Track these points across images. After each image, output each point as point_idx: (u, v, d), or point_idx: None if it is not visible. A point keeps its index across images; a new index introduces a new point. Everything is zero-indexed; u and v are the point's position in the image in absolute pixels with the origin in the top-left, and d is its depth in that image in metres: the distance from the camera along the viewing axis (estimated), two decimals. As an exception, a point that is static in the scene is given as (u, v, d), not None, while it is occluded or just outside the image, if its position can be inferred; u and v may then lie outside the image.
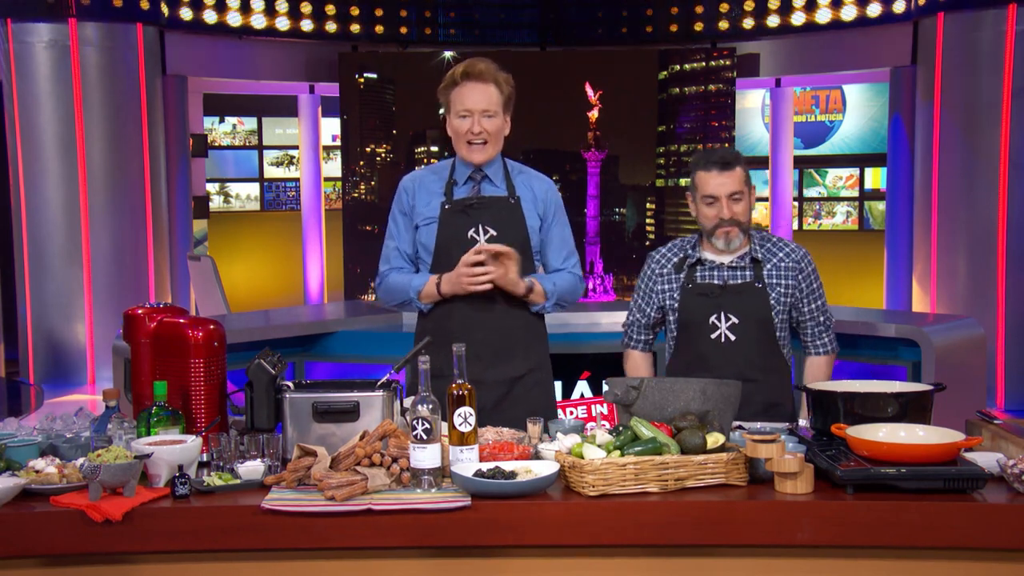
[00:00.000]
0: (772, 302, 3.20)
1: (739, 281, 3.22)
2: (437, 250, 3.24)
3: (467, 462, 2.49)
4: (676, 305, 3.27)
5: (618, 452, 2.46)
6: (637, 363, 3.45)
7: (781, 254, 3.24)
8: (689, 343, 3.27)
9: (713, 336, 3.21)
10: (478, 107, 3.20)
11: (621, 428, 2.57)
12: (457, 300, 3.20)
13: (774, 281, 3.21)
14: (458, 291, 3.16)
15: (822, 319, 3.30)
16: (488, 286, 3.13)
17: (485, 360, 3.19)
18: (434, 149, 9.61)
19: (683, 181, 9.74)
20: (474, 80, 3.20)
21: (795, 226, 10.16)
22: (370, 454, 2.50)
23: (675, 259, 3.31)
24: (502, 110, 3.26)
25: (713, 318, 3.21)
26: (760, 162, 10.25)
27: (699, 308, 3.23)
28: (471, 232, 3.22)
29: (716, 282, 3.23)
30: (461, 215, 3.24)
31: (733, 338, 3.20)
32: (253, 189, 10.86)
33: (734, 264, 3.23)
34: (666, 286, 3.30)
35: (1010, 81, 7.37)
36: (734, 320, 3.19)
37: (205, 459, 2.64)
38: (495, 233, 3.23)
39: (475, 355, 2.99)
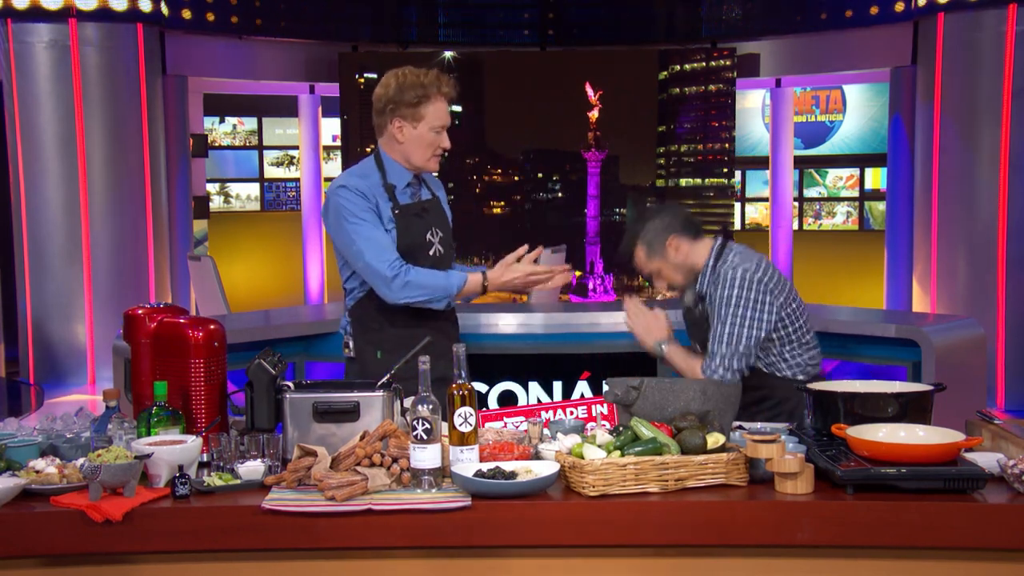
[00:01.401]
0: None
1: (702, 313, 3.31)
2: (401, 253, 3.26)
3: (467, 462, 2.49)
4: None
5: (618, 452, 2.46)
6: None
7: (713, 286, 3.23)
8: None
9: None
10: (448, 123, 3.30)
11: (621, 428, 2.57)
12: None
13: (709, 305, 3.26)
14: (509, 289, 3.30)
15: (711, 347, 3.18)
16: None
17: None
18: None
19: (683, 181, 9.75)
20: (448, 97, 3.29)
21: (795, 226, 10.16)
22: (370, 454, 2.50)
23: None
24: None
25: (695, 345, 3.41)
26: (760, 162, 10.25)
27: (687, 330, 3.43)
28: (428, 235, 3.33)
29: (696, 313, 3.36)
30: (416, 219, 3.32)
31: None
32: (253, 189, 10.86)
33: (698, 298, 3.32)
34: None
35: (1010, 81, 7.37)
36: (698, 349, 3.36)
37: (205, 459, 2.64)
38: (441, 234, 3.38)
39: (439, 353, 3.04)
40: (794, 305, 3.23)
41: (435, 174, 3.47)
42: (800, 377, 3.22)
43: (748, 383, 3.17)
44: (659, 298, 9.66)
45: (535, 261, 3.36)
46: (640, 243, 3.28)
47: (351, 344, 3.38)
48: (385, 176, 3.30)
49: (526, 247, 3.35)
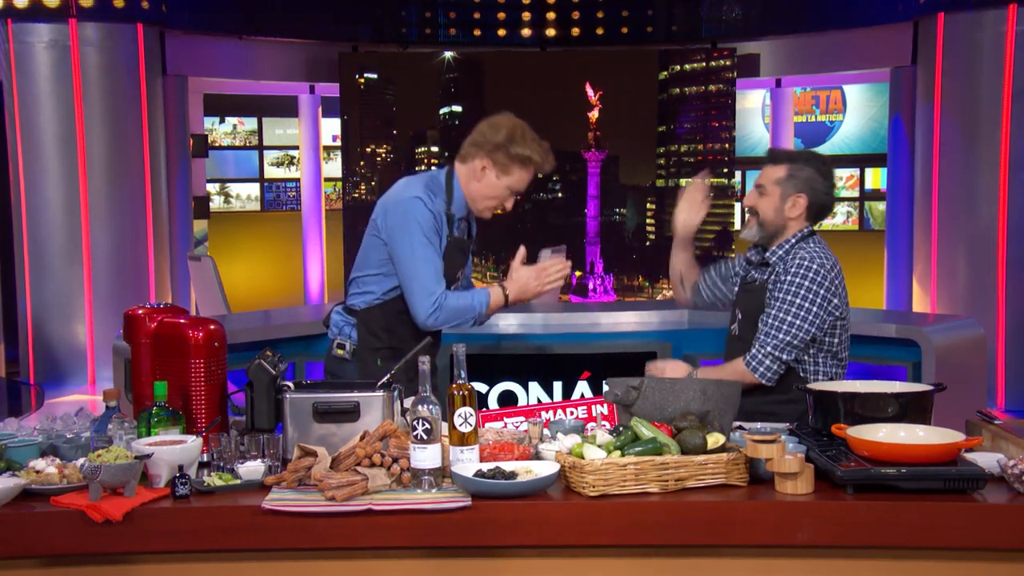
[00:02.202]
0: (766, 304, 3.19)
1: (756, 281, 3.26)
2: None
3: (467, 462, 2.49)
4: (734, 285, 3.46)
5: (618, 452, 2.46)
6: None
7: (783, 263, 3.20)
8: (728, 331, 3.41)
9: (731, 327, 3.35)
10: (522, 192, 3.37)
11: (621, 428, 2.57)
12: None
13: (770, 284, 3.21)
14: (529, 295, 3.32)
15: (763, 333, 3.13)
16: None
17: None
18: (434, 149, 9.62)
19: (683, 181, 9.74)
20: (536, 171, 3.33)
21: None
22: (370, 454, 2.50)
23: (754, 252, 3.38)
24: None
25: (736, 310, 3.35)
26: (760, 162, 10.24)
27: (736, 299, 3.39)
28: (459, 272, 3.39)
29: (748, 277, 3.33)
30: (459, 254, 3.36)
31: (737, 332, 3.30)
32: (253, 189, 10.86)
33: (761, 262, 3.29)
34: (740, 269, 3.46)
35: (1010, 81, 7.37)
36: (739, 315, 3.30)
37: (205, 459, 2.64)
38: (466, 275, 3.47)
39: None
40: (845, 319, 3.22)
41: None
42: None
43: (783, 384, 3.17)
44: (659, 298, 9.66)
45: (537, 261, 3.41)
46: (791, 170, 3.21)
47: (347, 346, 3.37)
48: (451, 202, 3.32)
49: (522, 247, 3.37)
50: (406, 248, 3.23)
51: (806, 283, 3.11)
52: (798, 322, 3.10)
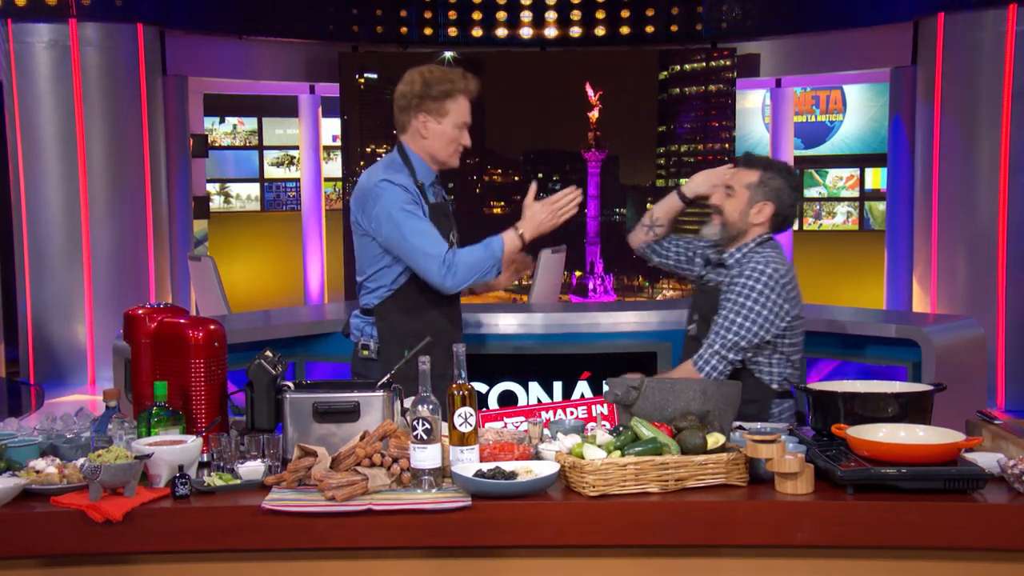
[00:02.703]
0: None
1: (713, 283, 3.29)
2: None
3: (467, 462, 2.49)
4: (693, 276, 3.47)
5: (618, 452, 2.46)
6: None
7: (739, 266, 3.22)
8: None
9: (688, 328, 3.38)
10: (469, 121, 3.34)
11: (621, 428, 2.57)
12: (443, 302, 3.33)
13: (724, 288, 3.23)
14: (545, 229, 3.31)
15: (713, 333, 3.14)
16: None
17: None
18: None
19: (683, 181, 9.73)
20: (471, 97, 3.32)
21: (795, 226, 10.16)
22: (370, 454, 2.50)
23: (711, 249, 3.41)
24: None
25: (690, 310, 3.39)
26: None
27: (692, 299, 3.40)
28: (450, 236, 3.36)
29: (706, 277, 3.35)
30: (443, 218, 3.35)
31: (694, 333, 3.32)
32: (253, 189, 10.86)
33: (716, 263, 3.32)
34: (696, 259, 3.47)
35: (1010, 81, 7.37)
36: (696, 316, 3.33)
37: (205, 459, 2.64)
38: (457, 235, 3.42)
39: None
40: (798, 323, 3.24)
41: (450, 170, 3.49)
42: (774, 386, 3.23)
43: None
44: (659, 298, 9.66)
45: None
46: (763, 177, 3.23)
47: (372, 345, 3.36)
48: (414, 173, 3.32)
49: (534, 184, 3.39)
50: (394, 229, 3.22)
51: (759, 287, 3.13)
52: (748, 324, 3.12)
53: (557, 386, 4.90)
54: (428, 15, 9.68)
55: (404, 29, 9.63)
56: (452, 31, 9.68)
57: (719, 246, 3.33)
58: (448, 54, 9.35)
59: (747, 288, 3.12)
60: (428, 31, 9.66)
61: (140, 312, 2.86)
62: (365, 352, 3.38)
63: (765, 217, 3.23)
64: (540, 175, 10.02)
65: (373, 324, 3.37)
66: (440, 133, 3.30)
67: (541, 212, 3.28)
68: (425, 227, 3.23)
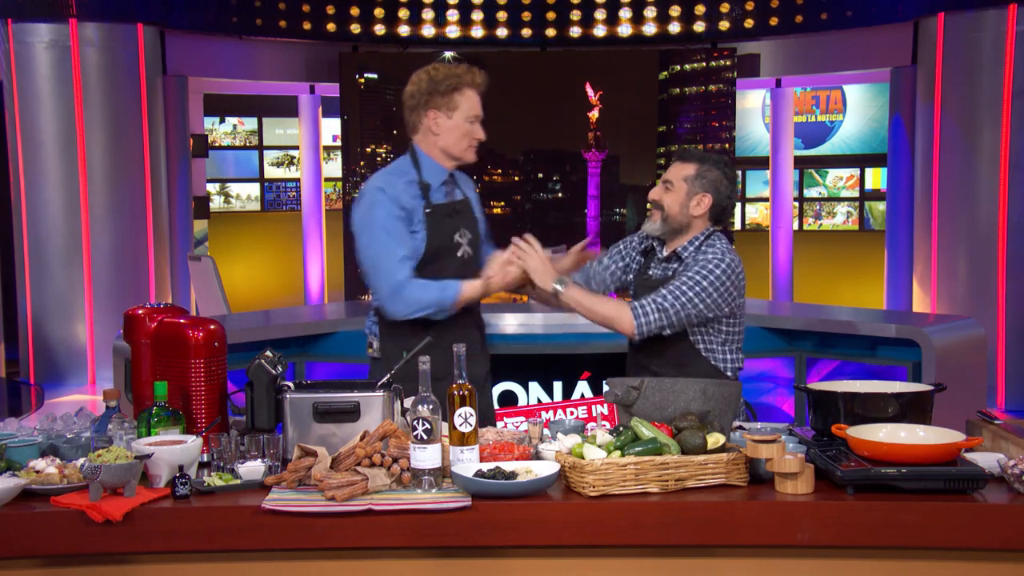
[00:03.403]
0: None
1: (660, 276, 3.30)
2: (426, 256, 3.26)
3: (467, 462, 2.49)
4: (630, 282, 3.45)
5: (618, 452, 2.46)
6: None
7: (699, 255, 3.23)
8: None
9: None
10: (481, 114, 3.32)
11: (621, 428, 2.57)
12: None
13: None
14: (510, 283, 3.28)
15: (660, 295, 3.15)
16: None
17: (475, 355, 3.29)
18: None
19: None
20: (480, 90, 3.31)
21: (795, 226, 10.16)
22: (371, 454, 2.50)
23: (644, 244, 3.43)
24: None
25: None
26: (760, 162, 10.24)
27: (637, 296, 3.35)
28: (456, 236, 3.32)
29: (652, 275, 3.33)
30: (446, 219, 3.31)
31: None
32: (253, 189, 10.86)
33: (668, 258, 3.31)
34: (631, 261, 3.46)
35: (1010, 81, 7.38)
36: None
37: (205, 459, 2.64)
38: (470, 235, 3.37)
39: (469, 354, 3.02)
40: (741, 311, 3.31)
41: (471, 165, 3.48)
42: (728, 374, 3.28)
43: (683, 359, 3.22)
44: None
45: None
46: (700, 169, 3.25)
47: (375, 344, 3.37)
48: (421, 174, 3.30)
49: (529, 236, 3.35)
50: (366, 239, 3.24)
51: (717, 271, 3.18)
52: (696, 300, 3.15)
53: (557, 386, 4.91)
54: (428, 15, 9.68)
55: (404, 29, 9.63)
56: (452, 31, 9.68)
57: (660, 240, 3.35)
58: (448, 54, 9.35)
59: (705, 270, 3.17)
60: (428, 31, 9.66)
61: (140, 312, 2.86)
62: (370, 350, 3.40)
63: (704, 208, 3.27)
64: (540, 175, 10.02)
65: (377, 323, 3.37)
66: (452, 128, 3.29)
67: (516, 279, 3.27)
68: (394, 248, 3.21)
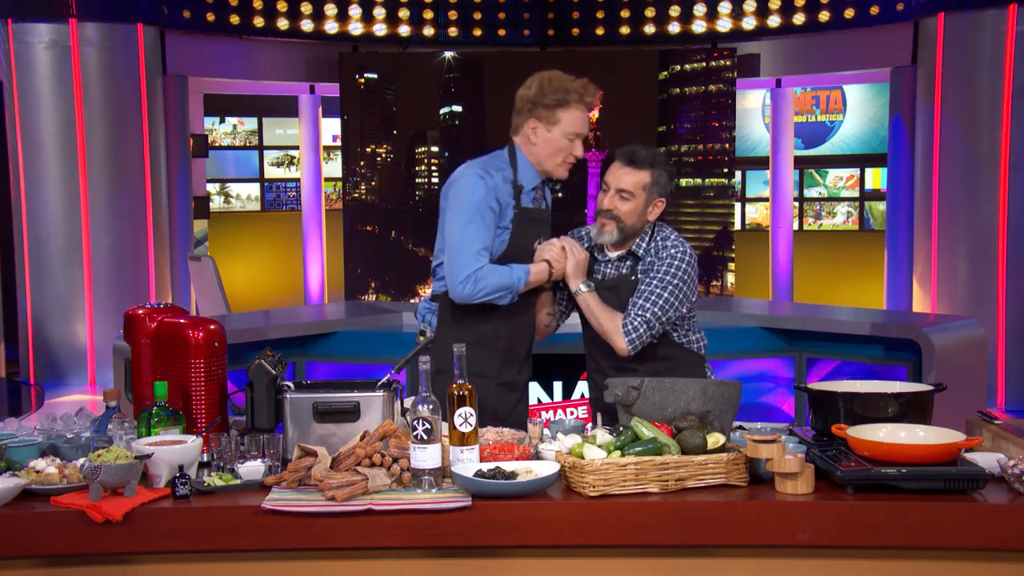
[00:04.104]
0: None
1: (615, 274, 3.28)
2: (507, 256, 3.23)
3: (467, 462, 2.49)
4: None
5: (618, 452, 2.46)
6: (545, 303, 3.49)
7: (654, 247, 3.25)
8: (584, 331, 3.35)
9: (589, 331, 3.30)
10: (585, 132, 3.27)
11: (621, 428, 2.57)
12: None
13: (643, 273, 3.24)
14: (572, 268, 3.23)
15: (639, 307, 3.15)
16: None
17: (520, 362, 3.30)
18: (434, 149, 9.61)
19: (683, 181, 9.75)
20: (589, 107, 3.27)
21: (795, 226, 10.16)
22: (371, 454, 2.50)
23: (584, 245, 3.37)
24: None
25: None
26: (760, 162, 10.25)
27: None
28: (536, 242, 3.28)
29: (598, 275, 3.31)
30: (531, 224, 3.28)
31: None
32: (253, 189, 10.86)
33: (619, 258, 3.30)
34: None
35: (1010, 81, 7.37)
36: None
37: (205, 459, 2.64)
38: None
39: (515, 358, 3.01)
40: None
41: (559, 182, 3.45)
42: (702, 353, 3.33)
43: (666, 353, 3.24)
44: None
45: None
46: (654, 176, 3.24)
47: (428, 332, 3.30)
48: (517, 174, 3.27)
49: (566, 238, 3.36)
50: (454, 222, 3.20)
51: (684, 266, 3.20)
52: (671, 299, 3.17)
53: (557, 386, 4.90)
54: (428, 15, 9.68)
55: (404, 29, 9.63)
56: (452, 31, 9.68)
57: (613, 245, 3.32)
58: (448, 54, 9.36)
59: (672, 267, 3.19)
60: (428, 31, 9.66)
61: (140, 312, 2.86)
62: (421, 338, 3.32)
63: (659, 212, 3.29)
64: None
65: (435, 312, 3.31)
66: (548, 141, 3.25)
67: (580, 263, 3.26)
68: (481, 236, 3.17)
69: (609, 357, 3.21)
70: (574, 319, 3.41)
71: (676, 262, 3.19)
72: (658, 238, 3.27)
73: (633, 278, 3.23)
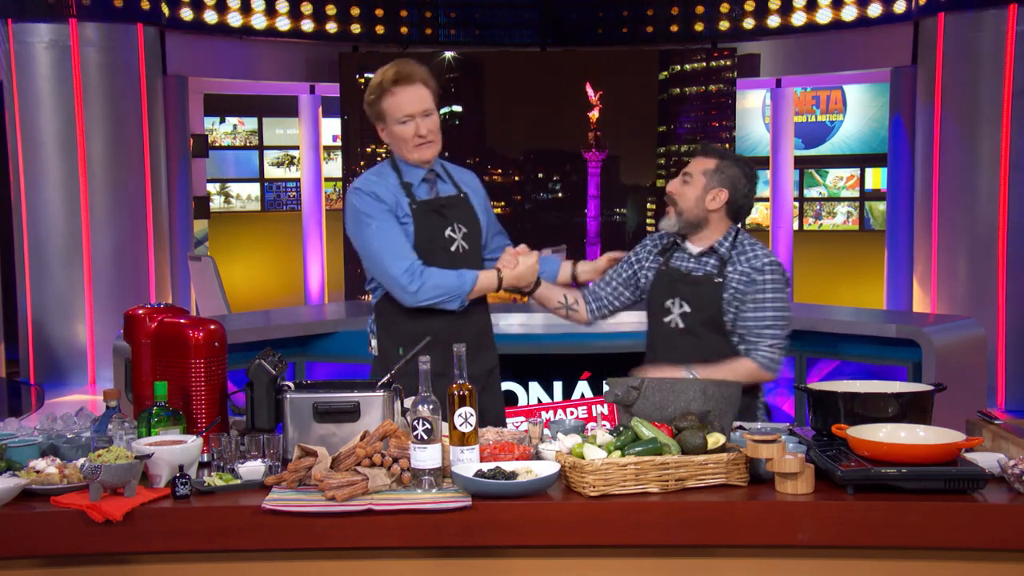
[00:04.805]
0: (724, 300, 3.20)
1: (700, 272, 3.25)
2: (418, 247, 3.22)
3: (468, 462, 2.49)
4: (647, 284, 3.36)
5: (619, 452, 2.46)
6: (571, 290, 3.52)
7: (744, 257, 3.22)
8: (651, 323, 3.34)
9: (666, 320, 3.27)
10: (417, 110, 3.21)
11: (622, 428, 2.57)
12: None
13: (730, 281, 3.21)
14: (521, 285, 3.26)
15: (766, 331, 3.17)
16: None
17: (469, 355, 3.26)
18: (434, 149, 9.62)
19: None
20: (404, 84, 3.20)
21: (796, 226, 10.16)
22: (371, 454, 2.50)
23: (663, 242, 3.38)
24: (435, 107, 3.28)
25: (668, 302, 3.27)
26: (761, 162, 10.24)
27: (659, 291, 3.31)
28: (448, 231, 3.26)
29: (681, 268, 3.28)
30: (433, 215, 3.26)
31: (682, 326, 3.25)
32: (254, 189, 10.87)
33: (702, 254, 3.27)
34: (646, 263, 3.39)
35: (1010, 81, 7.37)
36: (686, 308, 3.24)
37: (206, 459, 2.64)
38: (466, 230, 3.29)
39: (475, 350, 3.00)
40: None
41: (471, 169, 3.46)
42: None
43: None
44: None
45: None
46: (719, 165, 3.24)
47: (374, 343, 3.35)
48: (401, 175, 3.28)
49: (524, 246, 3.35)
50: (360, 238, 3.21)
51: (782, 279, 3.21)
52: (787, 314, 3.20)
53: (557, 386, 4.91)
54: (428, 15, 9.69)
55: (404, 29, 9.63)
56: (452, 31, 9.68)
57: (680, 236, 3.32)
58: (448, 54, 9.36)
59: (775, 283, 3.18)
60: (428, 31, 9.66)
61: (140, 312, 2.86)
62: (370, 348, 3.37)
63: (720, 203, 3.24)
64: (540, 175, 10.02)
65: (376, 320, 3.35)
66: (391, 136, 3.26)
67: (529, 270, 3.27)
68: (393, 234, 3.18)
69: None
70: (563, 320, 3.41)
71: (775, 275, 3.19)
72: (745, 244, 3.24)
73: (718, 279, 3.21)
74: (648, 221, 9.99)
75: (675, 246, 3.33)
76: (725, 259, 3.22)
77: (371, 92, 3.24)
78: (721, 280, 3.20)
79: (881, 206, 9.87)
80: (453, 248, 3.27)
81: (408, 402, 2.67)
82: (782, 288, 3.19)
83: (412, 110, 3.20)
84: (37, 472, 2.49)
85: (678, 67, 9.72)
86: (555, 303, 3.41)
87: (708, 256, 3.25)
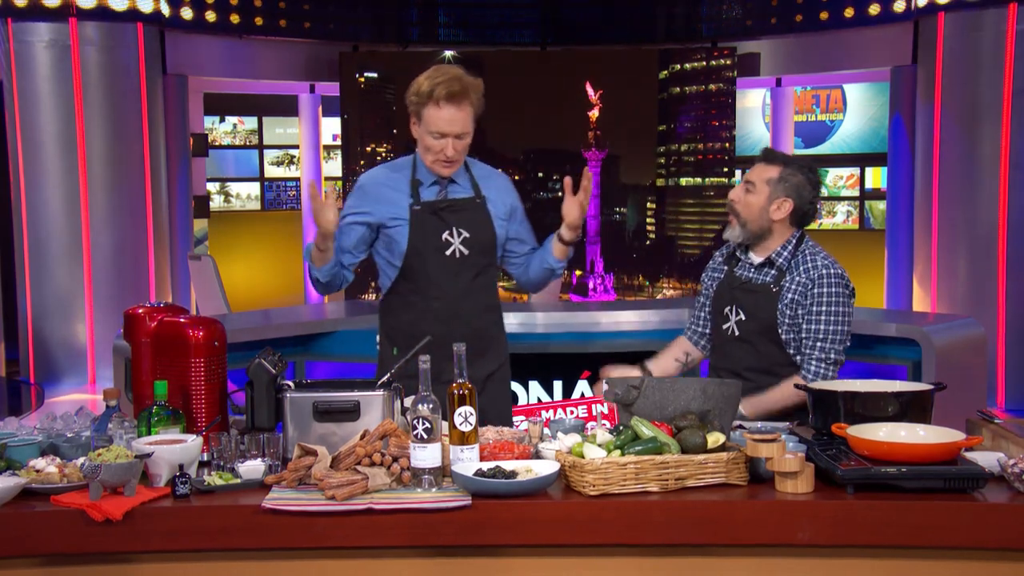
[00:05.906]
0: (779, 310, 3.20)
1: (758, 281, 3.25)
2: (409, 252, 3.24)
3: (467, 461, 2.49)
4: (711, 292, 3.40)
5: (618, 452, 2.46)
6: (674, 343, 3.54)
7: (803, 268, 3.20)
8: (712, 330, 3.39)
9: (724, 327, 3.31)
10: (452, 131, 3.18)
11: (621, 427, 2.57)
12: (433, 297, 3.25)
13: (787, 290, 3.20)
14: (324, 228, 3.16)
15: (817, 344, 3.15)
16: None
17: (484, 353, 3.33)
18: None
19: (683, 180, 9.75)
20: (451, 104, 3.16)
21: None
22: (371, 453, 2.50)
23: (728, 251, 3.39)
24: (472, 128, 3.25)
25: (727, 309, 3.30)
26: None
27: (721, 297, 3.34)
28: (445, 235, 3.25)
29: (741, 277, 3.29)
30: (432, 217, 3.25)
31: (738, 333, 3.27)
32: (253, 189, 10.86)
33: (762, 264, 3.26)
34: (714, 275, 3.43)
35: (1010, 81, 7.38)
36: (742, 316, 3.26)
37: (206, 458, 2.64)
38: (468, 235, 3.27)
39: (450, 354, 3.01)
40: None
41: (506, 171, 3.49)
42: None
43: (785, 373, 3.19)
44: (659, 297, 9.66)
45: None
46: (783, 173, 3.20)
47: (377, 338, 3.38)
48: (415, 171, 3.29)
49: None
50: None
51: (845, 292, 3.17)
52: (845, 329, 3.17)
53: (557, 386, 4.90)
54: (428, 15, 9.69)
55: (404, 29, 9.63)
56: (452, 31, 9.68)
57: (743, 246, 3.31)
58: (448, 54, 9.35)
59: (836, 296, 3.15)
60: (428, 31, 9.66)
61: (140, 311, 2.86)
62: (379, 347, 3.39)
63: (784, 213, 3.20)
64: (540, 174, 10.02)
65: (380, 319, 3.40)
66: (420, 137, 3.25)
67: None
68: (342, 234, 3.26)
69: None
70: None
71: (838, 289, 3.15)
72: (807, 252, 3.21)
73: (775, 289, 3.19)
74: (648, 220, 9.99)
75: (740, 254, 3.33)
76: (784, 269, 3.21)
77: (418, 95, 3.19)
78: (777, 289, 3.19)
79: (881, 205, 9.87)
80: (448, 251, 3.25)
81: (408, 401, 2.67)
82: (840, 300, 3.15)
83: (449, 131, 3.18)
84: (37, 471, 2.49)
85: (678, 66, 9.73)
86: (675, 369, 3.45)
87: (768, 267, 3.25)
